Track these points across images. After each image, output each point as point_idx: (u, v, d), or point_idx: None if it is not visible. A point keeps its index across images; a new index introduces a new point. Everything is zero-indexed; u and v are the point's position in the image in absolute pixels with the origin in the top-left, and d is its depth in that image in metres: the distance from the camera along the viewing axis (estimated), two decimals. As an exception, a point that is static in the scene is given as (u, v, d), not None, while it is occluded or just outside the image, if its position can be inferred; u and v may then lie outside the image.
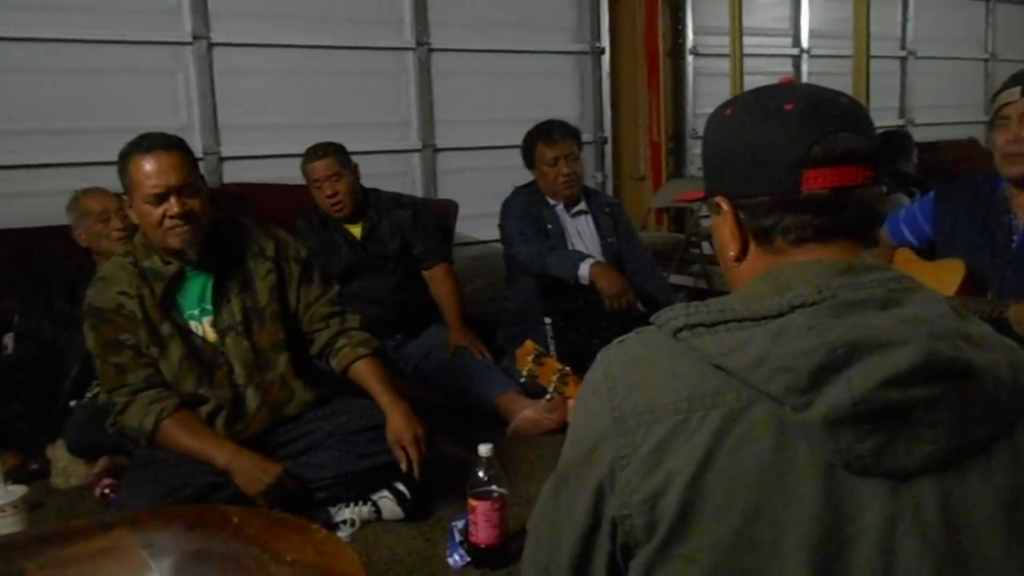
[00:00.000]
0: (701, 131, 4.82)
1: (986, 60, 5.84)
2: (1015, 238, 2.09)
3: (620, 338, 0.84)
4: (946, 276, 2.18)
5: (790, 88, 0.85)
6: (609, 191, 4.61)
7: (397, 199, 3.07)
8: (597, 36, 4.54)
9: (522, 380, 1.51)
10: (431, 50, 4.04)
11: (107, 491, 2.19)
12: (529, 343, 1.45)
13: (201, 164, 3.48)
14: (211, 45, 3.49)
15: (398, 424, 1.92)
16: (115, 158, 1.91)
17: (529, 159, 3.02)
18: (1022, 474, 0.72)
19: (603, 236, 2.97)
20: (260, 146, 3.61)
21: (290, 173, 3.39)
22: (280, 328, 2.03)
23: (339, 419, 2.03)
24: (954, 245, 2.22)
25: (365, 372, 2.02)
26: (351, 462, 1.98)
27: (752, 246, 0.85)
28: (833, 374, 0.69)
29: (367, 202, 2.95)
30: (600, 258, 2.87)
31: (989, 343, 0.74)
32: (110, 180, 2.12)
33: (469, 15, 4.14)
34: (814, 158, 0.79)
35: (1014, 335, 1.84)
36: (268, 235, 2.07)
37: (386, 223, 2.95)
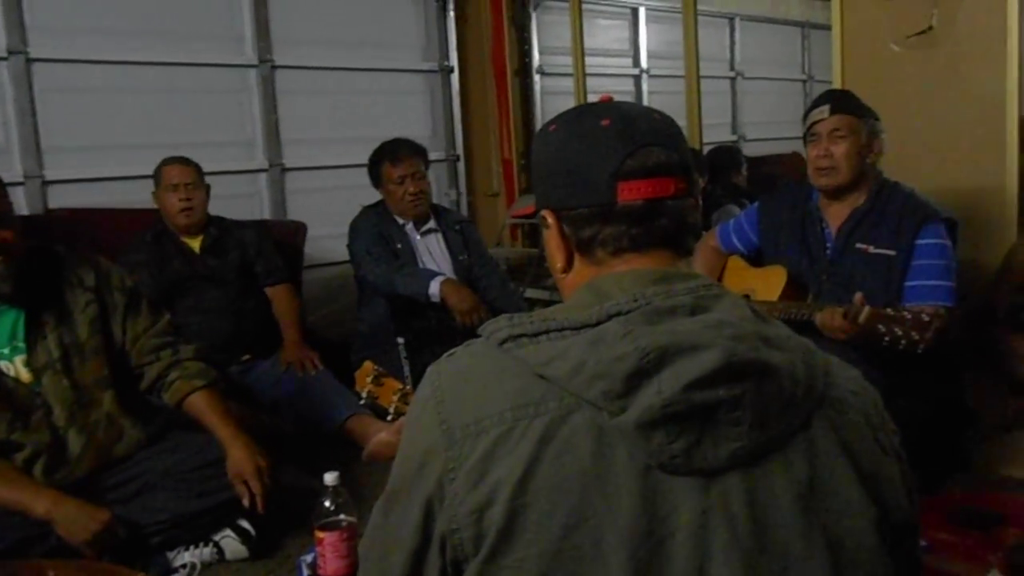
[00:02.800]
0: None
1: (804, 81, 6.34)
2: (829, 245, 2.26)
3: (450, 352, 0.85)
4: (771, 281, 2.33)
5: (608, 105, 0.88)
6: (464, 208, 4.63)
7: (240, 222, 3.02)
8: (446, 55, 4.57)
9: (361, 402, 1.47)
10: (275, 67, 3.92)
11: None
12: (368, 364, 1.42)
13: (22, 189, 3.27)
14: (30, 60, 3.24)
15: (238, 457, 1.83)
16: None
17: (376, 179, 2.99)
18: (816, 465, 0.76)
19: (454, 254, 2.97)
20: (91, 168, 3.37)
21: (128, 196, 3.20)
22: (104, 363, 1.89)
23: (174, 457, 1.91)
24: (777, 252, 2.37)
25: (201, 405, 1.92)
26: (189, 502, 1.88)
27: (577, 257, 0.88)
28: (646, 379, 0.72)
29: (210, 220, 2.90)
30: (452, 276, 2.88)
31: (786, 344, 0.79)
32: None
33: (314, 32, 4.05)
34: (628, 170, 0.83)
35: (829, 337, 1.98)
36: (88, 264, 1.93)
37: (228, 238, 2.90)
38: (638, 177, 0.83)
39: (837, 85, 3.30)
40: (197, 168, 2.87)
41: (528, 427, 0.73)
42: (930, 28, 3.01)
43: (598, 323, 0.76)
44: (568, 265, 0.90)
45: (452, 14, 4.54)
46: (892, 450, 0.83)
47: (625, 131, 0.84)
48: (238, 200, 3.78)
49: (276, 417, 2.64)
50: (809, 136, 2.22)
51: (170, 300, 2.73)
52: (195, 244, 2.84)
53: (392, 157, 2.92)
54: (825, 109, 2.18)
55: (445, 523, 0.75)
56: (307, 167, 4.04)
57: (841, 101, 2.21)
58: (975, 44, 2.90)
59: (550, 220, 0.89)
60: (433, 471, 0.77)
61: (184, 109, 3.65)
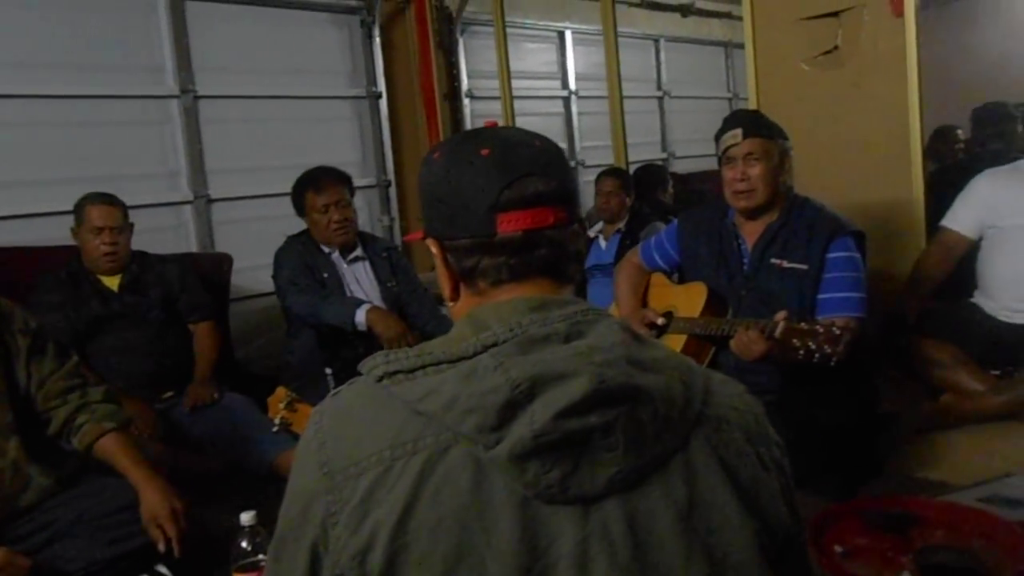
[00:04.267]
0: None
1: (730, 99, 6.52)
2: (745, 261, 2.31)
3: (335, 390, 0.84)
4: (693, 297, 2.37)
5: (489, 133, 0.89)
6: (397, 233, 4.61)
7: (162, 257, 2.95)
8: (373, 80, 4.57)
9: (275, 429, 1.45)
10: (197, 97, 3.86)
11: None
12: (280, 390, 1.40)
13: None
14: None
15: (152, 500, 1.77)
16: None
17: (299, 207, 2.96)
18: (695, 485, 0.76)
19: (382, 281, 2.95)
20: (5, 206, 3.27)
21: (48, 233, 3.10)
22: (7, 409, 1.82)
23: (86, 503, 1.84)
24: (697, 268, 2.42)
25: (112, 448, 1.85)
26: (102, 549, 1.80)
27: (461, 286, 0.89)
28: (519, 410, 0.72)
29: (132, 256, 2.83)
30: (380, 303, 2.85)
31: (661, 365, 0.79)
32: None
33: (237, 61, 4.01)
34: (505, 202, 0.83)
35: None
36: (-13, 306, 1.86)
37: (149, 274, 2.83)
38: (516, 208, 0.83)
39: (752, 103, 3.40)
40: (123, 208, 2.77)
41: (406, 465, 0.73)
42: (836, 48, 3.14)
43: (474, 355, 0.76)
44: (455, 294, 0.90)
45: (378, 40, 4.55)
46: (774, 464, 0.84)
47: (504, 161, 0.84)
48: (163, 233, 3.71)
49: (201, 455, 2.57)
50: (725, 159, 2.26)
51: (88, 340, 2.65)
52: (113, 282, 2.76)
53: (315, 185, 2.89)
54: (738, 133, 2.22)
55: (330, 568, 0.74)
56: (234, 197, 3.99)
57: (752, 124, 2.24)
58: (877, 62, 3.03)
59: (434, 249, 0.89)
60: (316, 515, 0.76)
61: (105, 142, 3.57)
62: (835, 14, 3.12)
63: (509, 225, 0.83)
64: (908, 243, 2.96)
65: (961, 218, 2.71)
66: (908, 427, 2.45)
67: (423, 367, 0.77)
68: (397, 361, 0.78)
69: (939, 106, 3.55)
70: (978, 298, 2.68)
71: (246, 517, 1.72)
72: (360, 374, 0.81)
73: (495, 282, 0.85)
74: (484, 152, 0.85)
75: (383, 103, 4.59)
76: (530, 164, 0.85)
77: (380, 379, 0.78)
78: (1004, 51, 4.66)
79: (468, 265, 0.86)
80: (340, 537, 0.74)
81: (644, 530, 0.74)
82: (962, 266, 2.73)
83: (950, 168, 3.80)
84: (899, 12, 2.93)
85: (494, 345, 0.76)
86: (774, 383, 2.23)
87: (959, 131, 4.45)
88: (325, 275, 2.90)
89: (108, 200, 2.75)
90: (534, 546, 0.72)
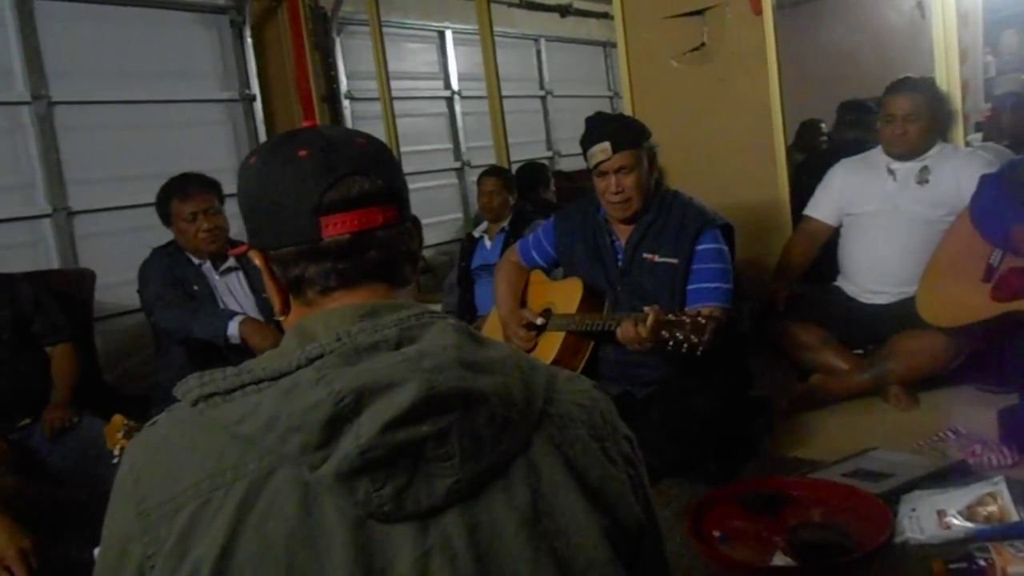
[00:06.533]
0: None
1: (611, 97, 6.64)
2: (619, 256, 2.34)
3: (152, 420, 0.77)
4: (569, 293, 2.38)
5: (307, 133, 0.83)
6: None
7: (13, 276, 2.73)
8: (247, 83, 4.40)
9: (114, 460, 1.35)
10: (52, 103, 3.61)
11: None
12: (117, 418, 1.31)
13: None
14: None
15: (-3, 542, 1.64)
16: None
17: (165, 217, 2.81)
18: (539, 487, 0.74)
19: (256, 291, 2.83)
20: None
21: None
22: None
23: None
24: (573, 264, 2.44)
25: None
26: (-57, 597, 1.66)
27: (292, 299, 0.84)
28: (345, 425, 0.67)
29: None
30: (256, 315, 2.74)
31: (498, 366, 0.76)
32: None
33: (95, 64, 3.77)
34: (329, 204, 0.78)
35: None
36: None
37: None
38: (341, 210, 0.79)
39: (627, 100, 3.47)
40: None
41: (226, 496, 0.68)
42: (702, 45, 3.23)
43: (297, 369, 0.71)
44: (285, 307, 0.85)
45: (250, 40, 4.38)
46: (622, 458, 0.82)
47: (324, 161, 0.79)
48: (19, 250, 3.45)
49: (60, 486, 2.40)
50: (596, 172, 2.27)
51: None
52: (-44, 306, 2.54)
53: (181, 193, 2.75)
54: (607, 147, 2.22)
55: None
56: (98, 209, 3.75)
57: (619, 136, 2.22)
58: (741, 58, 3.14)
59: (258, 261, 0.84)
60: (132, 560, 0.70)
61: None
62: (700, 12, 3.22)
63: (335, 228, 0.78)
64: (776, 233, 3.08)
65: (821, 206, 2.84)
66: (781, 410, 2.54)
67: (242, 386, 0.71)
68: (213, 382, 0.72)
69: (799, 100, 3.72)
70: (840, 282, 2.81)
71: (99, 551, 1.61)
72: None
73: (324, 290, 0.80)
74: (302, 153, 0.80)
75: (258, 106, 4.42)
76: (353, 163, 0.80)
77: (195, 403, 0.72)
78: (851, 48, 4.95)
79: (295, 274, 0.81)
80: None
81: (487, 539, 0.71)
82: (826, 252, 2.87)
83: (815, 158, 3.99)
84: (758, 10, 3.04)
85: (320, 357, 0.71)
86: (656, 374, 2.27)
87: (823, 124, 4.70)
88: (195, 287, 2.76)
89: None
90: (370, 568, 0.68)
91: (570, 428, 0.78)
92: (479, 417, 0.71)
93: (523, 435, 0.75)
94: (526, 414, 0.75)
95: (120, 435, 1.27)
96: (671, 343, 1.92)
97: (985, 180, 2.17)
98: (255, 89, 4.41)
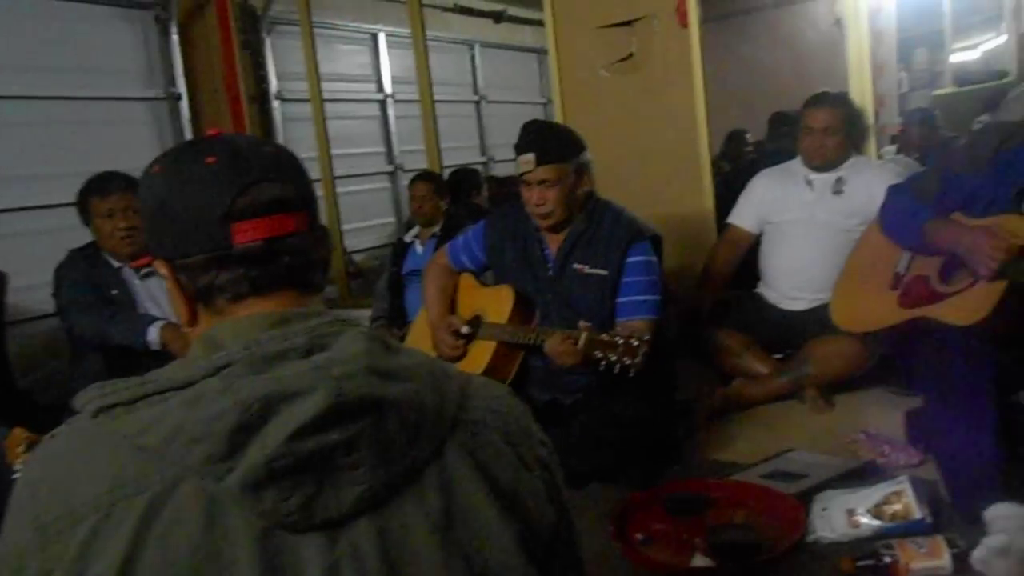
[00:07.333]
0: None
1: (544, 104, 6.70)
2: (551, 266, 2.35)
3: (53, 431, 0.75)
4: (500, 302, 2.39)
5: (213, 141, 0.83)
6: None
7: None
8: (172, 81, 4.29)
9: (15, 476, 1.30)
10: (-39, 99, 3.47)
11: None
12: (17, 431, 1.25)
13: None
14: None
15: None
16: None
17: (84, 215, 2.71)
18: (452, 493, 0.74)
19: (180, 296, 2.76)
20: None
21: None
22: None
23: None
24: (503, 270, 2.44)
25: None
26: None
27: (200, 308, 0.83)
28: (252, 434, 0.67)
29: None
30: (178, 320, 2.67)
31: (410, 373, 0.76)
32: None
33: (11, 58, 3.62)
34: (240, 210, 0.78)
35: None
36: None
37: None
38: (252, 216, 0.78)
39: (558, 108, 3.51)
40: None
41: (128, 509, 0.66)
42: (631, 55, 3.30)
43: (204, 378, 0.70)
44: (193, 318, 0.84)
45: (175, 38, 4.28)
46: (537, 463, 0.83)
47: (233, 168, 0.79)
48: (-74, 252, 3.29)
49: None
50: (521, 180, 2.28)
51: None
52: None
53: (101, 191, 2.66)
54: (531, 159, 2.23)
55: None
56: (11, 208, 3.60)
57: (545, 150, 2.23)
58: (668, 70, 3.21)
59: (164, 271, 0.82)
60: None
61: None
62: (629, 23, 3.28)
63: (246, 235, 0.78)
64: (701, 240, 3.16)
65: (743, 215, 2.92)
66: (703, 413, 2.61)
67: (145, 397, 0.70)
68: (115, 392, 0.70)
69: (723, 111, 3.84)
70: (762, 288, 2.90)
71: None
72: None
73: (234, 297, 0.80)
74: (210, 160, 0.79)
75: (184, 105, 4.32)
76: (263, 169, 0.80)
77: (96, 414, 0.70)
78: (773, 63, 5.13)
79: (204, 283, 0.79)
80: None
81: (398, 547, 0.71)
82: (749, 259, 2.95)
83: (742, 168, 4.12)
84: (685, 23, 3.12)
85: (227, 366, 0.70)
86: (583, 382, 2.30)
87: (748, 135, 4.85)
88: (114, 292, 2.67)
89: None
90: None
91: (483, 434, 0.79)
92: (390, 424, 0.72)
93: (435, 442, 0.75)
94: (438, 421, 0.76)
95: (21, 449, 1.21)
96: (603, 363, 1.95)
97: (892, 190, 2.27)
98: (181, 88, 4.31)
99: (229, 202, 0.78)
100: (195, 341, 0.78)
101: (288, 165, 0.83)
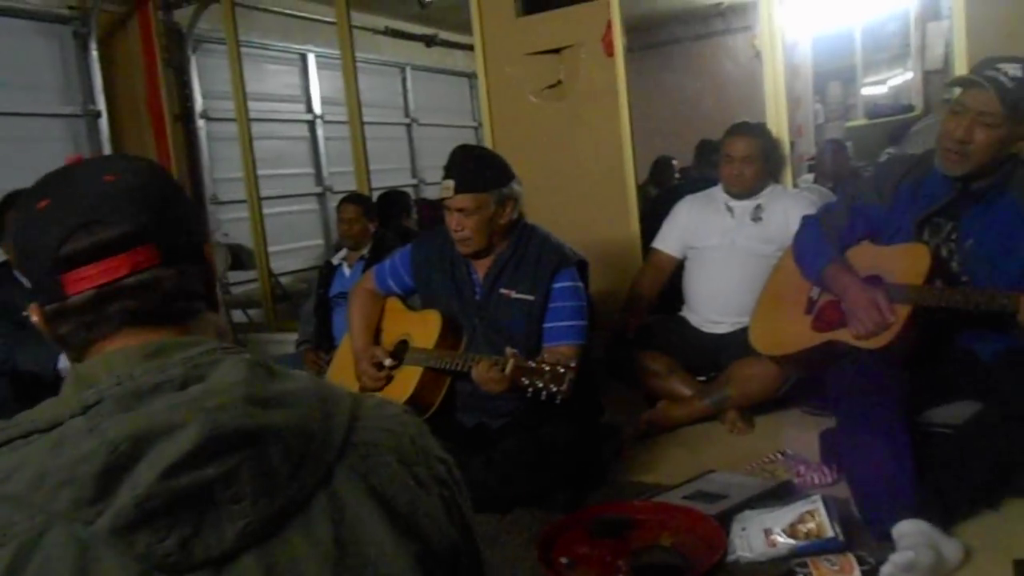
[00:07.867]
0: (221, 196, 4.66)
1: (475, 127, 6.75)
2: (478, 290, 2.35)
3: None
4: (428, 327, 2.37)
5: (55, 176, 0.79)
6: (124, 264, 4.22)
7: None
8: (91, 98, 4.17)
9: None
10: None
11: None
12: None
13: None
14: None
15: None
16: None
17: (2, 232, 2.60)
18: (343, 520, 0.72)
19: (96, 320, 2.66)
20: None
21: None
22: None
23: None
24: (431, 294, 2.43)
25: None
26: None
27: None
28: (123, 475, 0.64)
29: None
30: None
31: (294, 399, 0.74)
32: None
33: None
34: (66, 259, 0.74)
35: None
36: None
37: None
38: (81, 264, 0.74)
39: (487, 134, 3.54)
40: None
41: None
42: (559, 82, 3.35)
43: (71, 418, 0.66)
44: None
45: (95, 53, 4.16)
46: (435, 481, 0.81)
47: (61, 211, 0.75)
48: None
49: None
50: (444, 207, 2.29)
51: None
52: None
53: (16, 207, 2.55)
54: (450, 186, 2.23)
55: None
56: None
57: (465, 178, 2.23)
58: (594, 97, 3.28)
59: (35, 316, 0.79)
60: None
61: None
62: (557, 51, 3.34)
63: (77, 285, 0.74)
64: (627, 264, 3.22)
65: (667, 239, 3.00)
66: (629, 435, 2.64)
67: (8, 441, 0.66)
68: None
69: (648, 138, 3.93)
70: (685, 312, 2.97)
71: None
72: None
73: (85, 343, 0.77)
74: (42, 204, 0.75)
75: (103, 123, 4.20)
76: (88, 211, 0.75)
77: None
78: (695, 92, 5.30)
79: (61, 334, 0.77)
80: None
81: None
82: (674, 283, 3.02)
83: (668, 193, 4.21)
84: (610, 52, 3.20)
85: (97, 403, 0.67)
86: (510, 406, 2.29)
87: (675, 161, 4.98)
88: (25, 315, 2.56)
89: None
90: None
91: (374, 456, 0.77)
92: (272, 454, 0.69)
93: (323, 468, 0.73)
94: (325, 446, 0.73)
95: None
96: (530, 390, 1.95)
97: (805, 220, 2.36)
98: (101, 105, 4.19)
99: (55, 251, 0.74)
100: (66, 378, 0.75)
101: (126, 197, 0.78)
